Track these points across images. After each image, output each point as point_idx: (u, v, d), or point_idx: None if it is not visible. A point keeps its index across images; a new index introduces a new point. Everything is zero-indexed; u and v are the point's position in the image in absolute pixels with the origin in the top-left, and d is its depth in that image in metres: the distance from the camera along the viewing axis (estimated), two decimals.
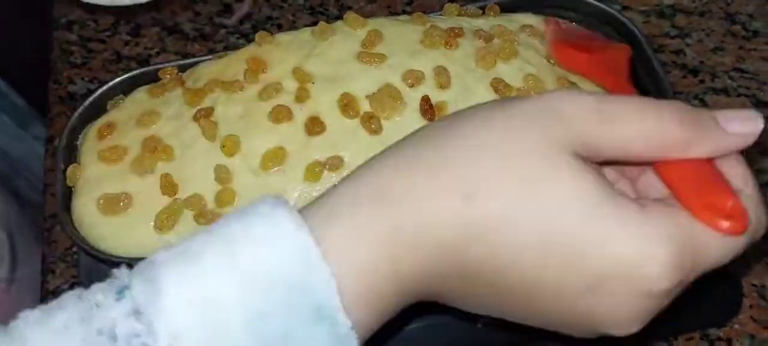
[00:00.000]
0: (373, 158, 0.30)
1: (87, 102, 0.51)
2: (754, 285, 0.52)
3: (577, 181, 0.28)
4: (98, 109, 0.51)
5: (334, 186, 0.30)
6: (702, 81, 0.62)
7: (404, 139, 0.31)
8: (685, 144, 0.29)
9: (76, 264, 0.57)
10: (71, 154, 0.50)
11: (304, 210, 0.29)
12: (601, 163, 0.30)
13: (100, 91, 0.52)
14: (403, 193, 0.28)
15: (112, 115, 0.49)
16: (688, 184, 0.29)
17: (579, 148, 0.28)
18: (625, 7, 0.67)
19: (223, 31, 0.70)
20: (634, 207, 0.28)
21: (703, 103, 0.61)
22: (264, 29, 0.69)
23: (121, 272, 0.28)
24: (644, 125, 0.29)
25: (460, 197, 0.28)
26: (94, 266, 0.52)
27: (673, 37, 0.65)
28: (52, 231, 0.59)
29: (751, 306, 0.51)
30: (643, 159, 0.30)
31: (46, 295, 0.56)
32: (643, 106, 0.29)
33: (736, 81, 0.62)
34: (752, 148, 0.32)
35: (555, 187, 0.28)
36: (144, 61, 0.68)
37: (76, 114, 0.50)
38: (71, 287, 0.56)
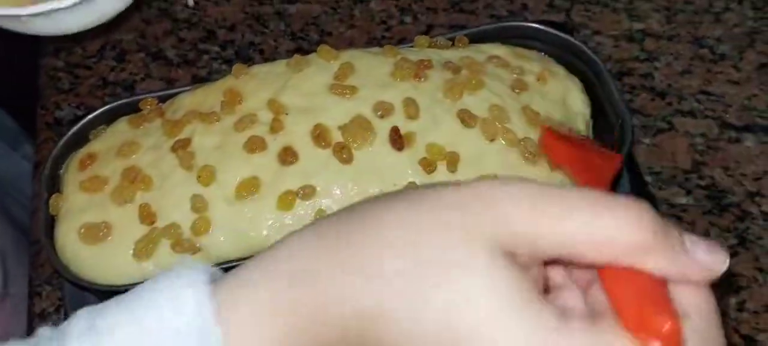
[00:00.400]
0: (291, 233, 0.30)
1: (70, 133, 0.53)
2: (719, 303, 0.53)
3: (491, 274, 0.25)
4: (82, 137, 0.53)
5: (250, 259, 0.30)
6: (669, 103, 0.64)
7: (328, 215, 0.30)
8: (641, 252, 0.26)
9: (61, 288, 0.58)
10: (55, 183, 0.51)
11: (218, 282, 0.29)
12: (547, 263, 0.28)
13: (82, 122, 0.53)
14: (307, 270, 0.28)
15: (93, 146, 0.51)
16: (630, 295, 0.26)
17: (508, 239, 0.26)
18: (596, 32, 0.68)
19: (206, 56, 0.71)
20: (552, 317, 0.25)
21: (671, 126, 0.62)
22: (246, 55, 0.71)
23: (45, 335, 0.29)
24: (594, 221, 0.26)
25: (362, 278, 0.26)
26: (77, 291, 0.53)
27: (642, 61, 0.66)
28: (39, 255, 0.60)
29: None
30: (588, 261, 0.27)
31: (33, 317, 0.57)
32: (595, 200, 0.26)
33: (703, 103, 0.63)
34: None
35: (465, 277, 0.25)
36: (129, 87, 0.70)
37: (59, 144, 0.52)
38: (57, 310, 0.57)
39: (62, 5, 0.47)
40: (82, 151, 0.51)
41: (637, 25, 0.69)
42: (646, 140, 0.62)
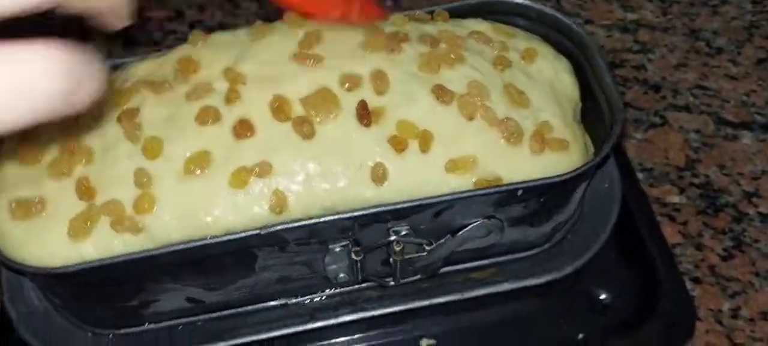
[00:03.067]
0: None
1: None
2: (711, 309, 0.49)
3: None
4: None
5: None
6: (663, 97, 0.60)
7: None
8: None
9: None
10: None
11: None
12: None
13: None
14: None
15: None
16: None
17: None
18: (587, 21, 0.65)
19: (172, 36, 0.67)
20: None
21: (664, 120, 0.58)
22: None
23: None
24: None
25: None
26: (15, 280, 0.48)
27: (635, 53, 0.63)
28: None
29: (706, 331, 0.48)
30: None
31: None
32: None
33: (699, 98, 0.60)
34: None
35: None
36: None
37: None
38: None
39: None
40: None
41: (631, 16, 0.65)
42: (638, 135, 0.58)
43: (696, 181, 0.55)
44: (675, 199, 0.54)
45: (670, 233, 0.52)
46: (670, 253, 0.51)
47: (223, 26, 0.68)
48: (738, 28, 0.64)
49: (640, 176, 0.55)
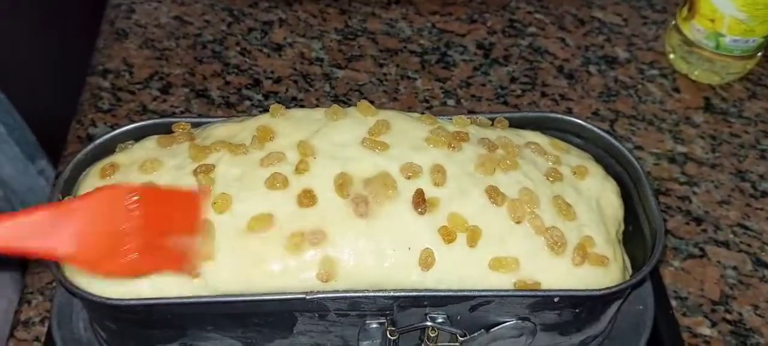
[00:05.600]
0: None
1: (97, 141, 0.52)
2: None
3: None
4: (109, 150, 0.53)
5: None
6: (704, 230, 0.62)
7: None
8: None
9: (52, 299, 0.57)
10: (72, 188, 0.51)
11: None
12: None
13: (112, 133, 0.53)
14: None
15: (117, 157, 0.51)
16: None
17: None
18: (637, 147, 0.67)
19: (247, 102, 0.72)
20: None
21: (703, 253, 0.60)
22: (287, 107, 0.72)
23: None
24: None
25: None
26: (66, 306, 0.52)
27: (681, 184, 0.65)
28: (38, 262, 0.59)
29: None
30: None
31: (17, 324, 0.56)
32: None
33: (739, 237, 0.61)
34: None
35: None
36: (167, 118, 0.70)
37: (84, 150, 0.52)
38: (42, 321, 0.56)
39: None
40: (105, 160, 0.51)
41: (681, 148, 0.67)
42: (676, 263, 0.59)
43: (729, 317, 0.56)
44: (706, 331, 0.55)
45: None
46: None
47: (295, 99, 0.72)
48: None
49: (674, 303, 0.56)
